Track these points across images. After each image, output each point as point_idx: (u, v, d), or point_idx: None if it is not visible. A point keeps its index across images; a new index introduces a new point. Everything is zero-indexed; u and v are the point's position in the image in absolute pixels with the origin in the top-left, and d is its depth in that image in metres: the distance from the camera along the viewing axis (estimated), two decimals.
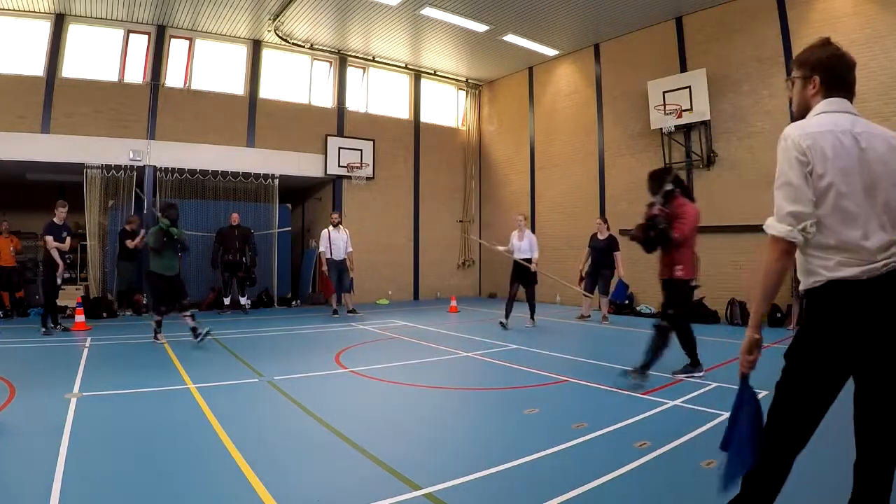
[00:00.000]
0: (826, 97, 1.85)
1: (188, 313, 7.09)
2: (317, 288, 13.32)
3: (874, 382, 1.76)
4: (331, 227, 10.52)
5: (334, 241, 10.36)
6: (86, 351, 6.57)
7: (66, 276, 8.73)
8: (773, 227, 1.78)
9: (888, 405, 1.76)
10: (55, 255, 7.86)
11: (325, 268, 10.47)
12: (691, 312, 5.05)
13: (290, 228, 12.91)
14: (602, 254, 9.35)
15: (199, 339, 6.85)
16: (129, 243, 10.29)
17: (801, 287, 1.87)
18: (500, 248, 9.12)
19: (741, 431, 1.86)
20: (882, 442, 1.77)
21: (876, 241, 1.72)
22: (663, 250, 5.04)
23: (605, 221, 9.59)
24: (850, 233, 1.72)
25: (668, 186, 5.04)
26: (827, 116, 1.80)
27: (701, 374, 5.15)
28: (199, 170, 11.47)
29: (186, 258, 11.11)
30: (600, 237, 9.47)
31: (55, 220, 7.93)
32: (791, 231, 1.75)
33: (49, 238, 7.81)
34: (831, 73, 1.85)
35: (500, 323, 8.74)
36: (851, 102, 1.86)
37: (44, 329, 7.87)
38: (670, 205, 5.03)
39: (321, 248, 10.53)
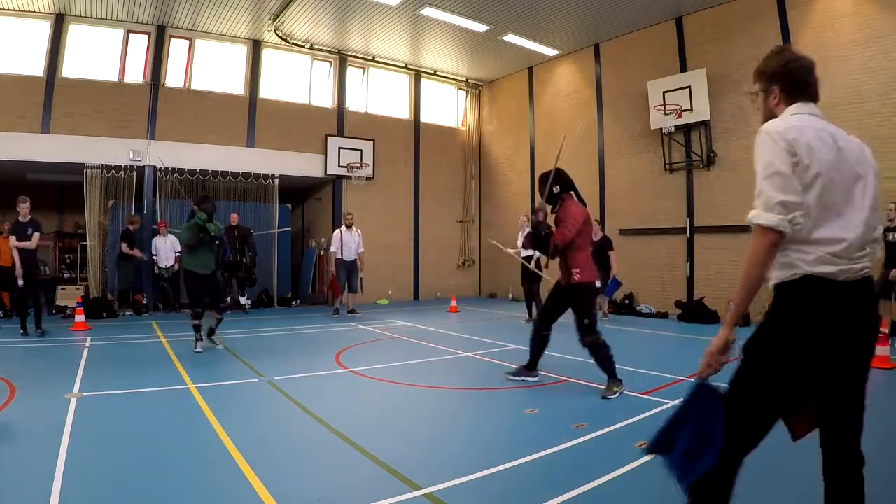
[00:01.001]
0: (790, 104, 1.85)
1: (220, 316, 6.82)
2: (317, 288, 13.32)
3: (837, 388, 1.74)
4: (343, 228, 10.44)
5: (346, 243, 10.30)
6: (86, 351, 6.56)
7: (51, 274, 8.34)
8: (762, 216, 1.69)
9: (851, 411, 1.74)
10: (15, 255, 7.30)
11: (332, 267, 10.43)
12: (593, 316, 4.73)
13: (290, 228, 12.92)
14: (596, 254, 9.44)
15: (210, 337, 6.75)
16: (126, 248, 10.30)
17: (774, 281, 1.79)
18: (510, 250, 9.15)
19: (694, 433, 1.77)
20: (846, 448, 1.76)
21: (857, 238, 1.70)
22: (560, 256, 4.82)
23: (599, 222, 9.71)
24: (834, 227, 1.70)
25: (555, 189, 4.83)
26: (797, 118, 1.79)
27: (535, 378, 5.08)
28: (199, 170, 11.48)
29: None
30: (594, 238, 9.54)
31: (19, 217, 7.38)
32: (782, 220, 1.68)
33: (12, 238, 7.30)
34: (790, 80, 1.85)
35: (526, 321, 8.89)
36: (816, 104, 1.86)
37: (22, 331, 7.46)
38: (558, 208, 4.84)
39: (332, 249, 10.46)
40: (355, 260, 10.40)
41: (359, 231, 10.60)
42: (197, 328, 6.56)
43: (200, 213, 6.50)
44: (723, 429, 1.75)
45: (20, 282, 7.37)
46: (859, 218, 1.73)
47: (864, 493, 1.78)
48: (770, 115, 1.90)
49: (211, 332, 6.77)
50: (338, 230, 10.56)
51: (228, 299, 10.74)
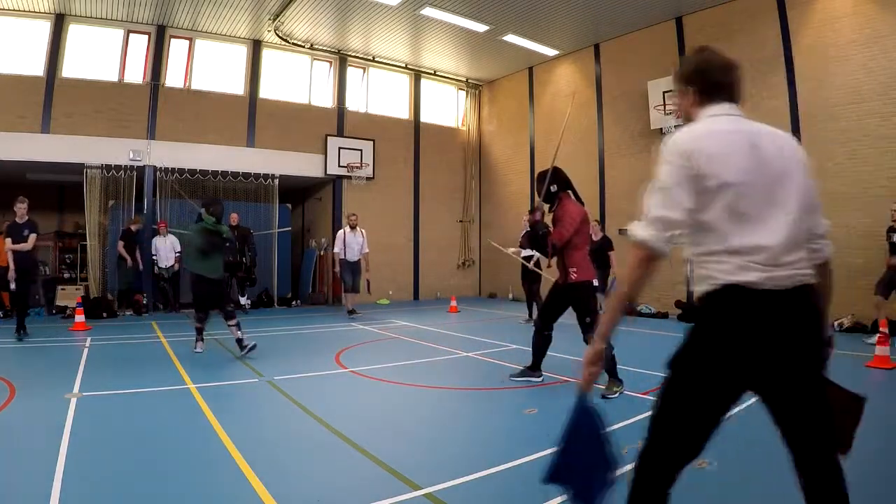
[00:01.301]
0: (706, 105, 1.75)
1: (233, 322, 6.25)
2: (317, 288, 13.32)
3: (780, 404, 1.62)
4: (347, 229, 10.37)
5: (349, 244, 10.23)
6: (86, 351, 6.56)
7: (55, 274, 8.15)
8: (637, 232, 1.63)
9: (807, 427, 1.60)
10: (9, 256, 7.09)
11: (337, 269, 10.38)
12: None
13: (290, 228, 12.92)
14: (596, 254, 9.47)
15: (244, 351, 6.16)
16: (120, 247, 10.30)
17: (696, 294, 1.72)
18: (510, 250, 9.14)
19: (582, 457, 1.70)
20: (816, 465, 1.62)
21: (782, 242, 1.58)
22: (558, 255, 4.82)
23: (599, 222, 9.72)
24: (753, 234, 1.59)
25: (553, 188, 4.82)
26: (711, 121, 1.71)
27: (540, 378, 5.09)
28: (199, 170, 11.48)
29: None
30: (594, 238, 9.55)
31: (16, 218, 7.22)
32: (656, 237, 1.60)
33: (8, 241, 7.14)
34: (705, 80, 1.75)
35: (526, 321, 8.87)
36: (737, 103, 1.75)
37: (18, 333, 7.25)
38: (555, 207, 4.83)
39: (336, 249, 10.40)
40: (359, 260, 10.37)
41: (363, 232, 10.55)
42: (199, 331, 6.50)
43: (209, 216, 6.31)
44: (608, 449, 1.72)
45: (12, 285, 7.18)
46: (784, 220, 1.61)
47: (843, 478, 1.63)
48: (687, 117, 1.82)
49: (240, 343, 6.20)
50: (341, 231, 10.48)
51: (249, 302, 10.74)
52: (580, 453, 1.72)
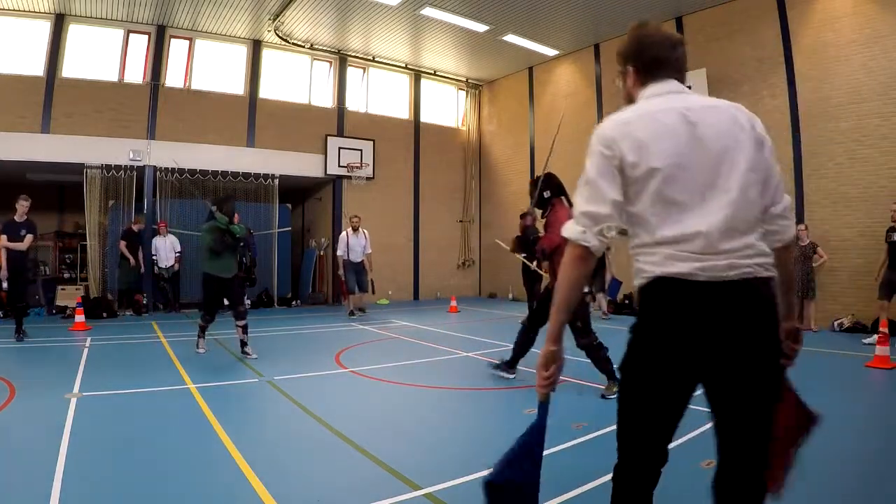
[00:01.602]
0: (647, 83, 1.61)
1: (243, 323, 6.19)
2: (317, 288, 13.32)
3: (719, 404, 1.50)
4: (349, 230, 10.37)
5: (352, 247, 10.25)
6: (86, 351, 6.56)
7: (44, 273, 7.82)
8: (566, 229, 1.55)
9: (741, 432, 1.47)
10: (2, 255, 6.96)
11: (341, 271, 10.39)
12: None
13: (290, 228, 12.92)
14: None
15: (244, 353, 6.18)
16: (122, 247, 10.31)
17: (634, 289, 1.62)
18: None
19: (522, 475, 1.63)
20: (737, 482, 1.49)
21: (718, 225, 1.43)
22: (548, 260, 4.79)
23: None
24: (685, 220, 1.45)
25: (546, 193, 4.82)
26: (646, 102, 1.58)
27: (513, 376, 5.12)
28: (199, 170, 11.47)
29: (187, 258, 11.16)
30: None
31: (15, 217, 7.11)
32: (584, 234, 1.50)
33: (3, 237, 6.99)
34: (645, 57, 1.62)
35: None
36: (682, 81, 1.62)
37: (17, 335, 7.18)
38: (547, 213, 4.84)
39: (339, 252, 10.43)
40: (363, 261, 10.39)
41: (366, 233, 10.55)
42: (202, 330, 6.42)
43: (221, 216, 6.22)
44: (534, 472, 1.65)
45: (4, 284, 7.08)
46: (723, 203, 1.44)
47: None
48: (628, 98, 1.70)
49: (244, 346, 6.22)
50: (343, 233, 10.51)
51: (248, 303, 10.55)
52: (523, 471, 1.65)
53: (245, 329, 6.22)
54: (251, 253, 11.09)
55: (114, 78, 10.95)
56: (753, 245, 1.46)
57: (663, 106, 1.53)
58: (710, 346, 1.42)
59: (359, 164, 13.16)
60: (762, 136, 1.53)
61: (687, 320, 1.43)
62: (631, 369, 1.56)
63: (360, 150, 13.27)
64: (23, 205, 7.17)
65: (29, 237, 7.16)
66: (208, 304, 6.37)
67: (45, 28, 10.33)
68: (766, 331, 1.45)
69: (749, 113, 1.56)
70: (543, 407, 1.68)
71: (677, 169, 1.46)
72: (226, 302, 6.67)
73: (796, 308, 1.67)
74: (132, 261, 10.35)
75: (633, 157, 1.47)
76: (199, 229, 6.66)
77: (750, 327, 1.42)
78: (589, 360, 4.67)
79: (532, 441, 1.67)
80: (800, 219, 8.78)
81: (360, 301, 10.70)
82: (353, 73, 13.64)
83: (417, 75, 14.52)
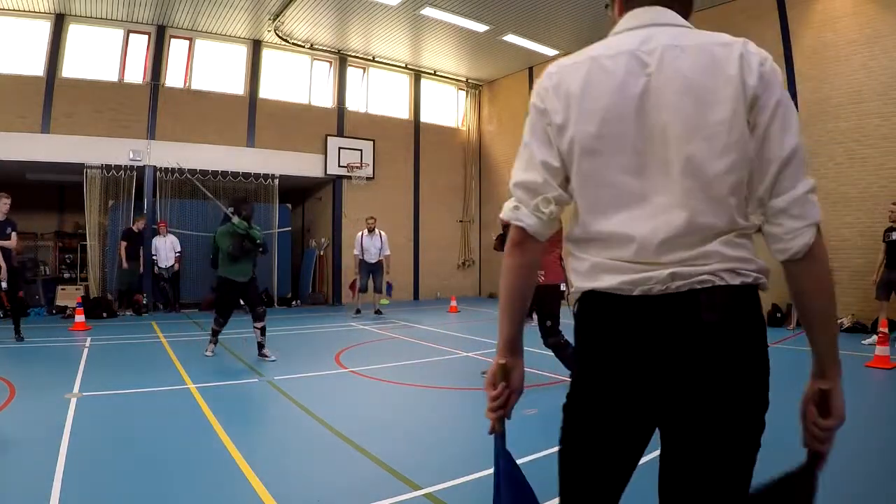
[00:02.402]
0: (627, 11, 1.21)
1: (260, 325, 6.06)
2: (317, 288, 13.32)
3: (665, 461, 1.13)
4: (365, 231, 10.50)
5: (366, 248, 10.38)
6: (86, 351, 6.56)
7: (44, 273, 7.73)
8: (505, 206, 1.21)
9: (690, 475, 1.06)
10: None
11: (356, 269, 10.51)
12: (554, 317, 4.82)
13: (290, 228, 12.91)
14: None
15: (261, 355, 6.07)
16: (120, 250, 10.29)
17: None
18: None
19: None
20: None
21: (658, 236, 1.02)
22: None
23: None
24: (610, 218, 1.07)
25: None
26: (607, 40, 1.18)
27: None
28: (199, 170, 11.47)
29: (187, 257, 11.16)
30: None
31: None
32: (517, 211, 1.16)
33: None
34: None
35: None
36: (683, 11, 1.22)
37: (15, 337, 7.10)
38: None
39: (355, 251, 10.57)
40: (379, 261, 10.48)
41: (383, 235, 10.62)
42: (215, 333, 6.23)
43: (241, 220, 6.01)
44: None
45: (3, 284, 6.96)
46: (673, 193, 1.03)
47: None
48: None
49: (261, 349, 6.11)
50: (359, 233, 10.64)
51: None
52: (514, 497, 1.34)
53: (263, 331, 6.09)
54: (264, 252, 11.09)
55: (114, 78, 10.95)
56: (718, 252, 1.01)
57: (617, 45, 1.12)
58: (653, 380, 1.04)
59: (359, 164, 13.16)
60: (758, 91, 1.01)
61: (621, 348, 1.06)
62: (569, 408, 1.21)
63: (360, 150, 13.27)
64: (5, 203, 7.13)
65: (15, 235, 7.16)
66: (221, 308, 6.20)
67: (45, 28, 10.33)
68: (727, 366, 1.00)
69: (750, 52, 1.04)
70: (498, 440, 1.30)
71: (608, 140, 1.06)
72: (242, 302, 6.57)
73: (829, 357, 1.05)
74: (124, 264, 10.34)
75: (560, 118, 1.11)
76: (215, 231, 6.44)
77: (696, 359, 1.00)
78: (558, 359, 4.82)
79: (506, 469, 1.34)
80: None
81: (376, 301, 10.77)
82: (353, 73, 13.63)
83: (417, 75, 14.52)
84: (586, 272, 1.12)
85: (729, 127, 1.00)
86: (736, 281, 1.02)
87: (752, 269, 1.03)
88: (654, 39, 1.09)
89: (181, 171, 11.12)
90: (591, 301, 1.11)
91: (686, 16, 1.20)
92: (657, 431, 1.15)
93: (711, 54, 1.04)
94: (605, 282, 1.07)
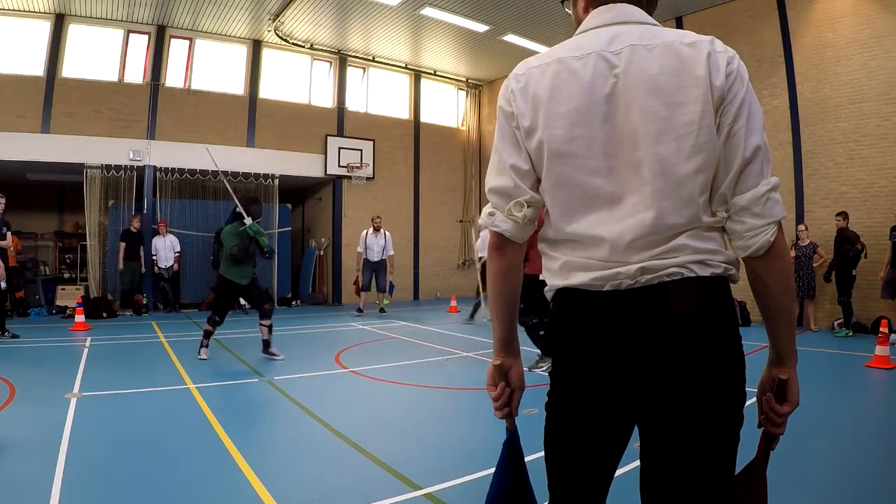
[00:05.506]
0: (590, 9, 1.18)
1: (267, 322, 6.04)
2: (317, 288, 13.32)
3: (652, 440, 1.10)
4: (370, 230, 10.58)
5: (370, 246, 10.46)
6: (86, 351, 6.56)
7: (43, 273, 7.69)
8: (482, 213, 1.22)
9: (670, 475, 1.05)
10: None
11: (359, 267, 10.57)
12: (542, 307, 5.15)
13: (290, 228, 12.90)
14: None
15: (267, 353, 6.10)
16: (120, 256, 10.29)
17: None
18: None
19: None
20: None
21: (629, 228, 1.04)
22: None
23: None
24: (580, 220, 1.09)
25: None
26: (573, 40, 1.15)
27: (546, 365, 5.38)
28: (199, 170, 11.47)
29: (187, 258, 11.16)
30: None
31: None
32: (492, 217, 1.18)
33: None
34: None
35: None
36: (648, 7, 1.19)
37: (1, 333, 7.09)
38: None
39: (359, 249, 10.64)
40: (383, 260, 10.54)
41: (388, 234, 10.70)
42: (207, 334, 6.12)
43: (253, 223, 5.90)
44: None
45: (3, 284, 6.95)
46: (643, 194, 1.04)
47: None
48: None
49: (267, 346, 6.11)
50: (364, 231, 10.72)
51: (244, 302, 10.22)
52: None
53: (270, 329, 6.08)
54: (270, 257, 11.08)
55: (114, 78, 10.94)
56: (688, 245, 1.03)
57: (584, 45, 1.10)
58: (627, 375, 1.06)
59: (359, 164, 13.16)
60: (725, 91, 1.02)
61: (593, 343, 1.08)
62: (549, 406, 1.21)
63: (360, 150, 13.27)
64: (0, 203, 7.17)
65: (10, 235, 7.23)
66: (218, 307, 6.14)
67: (45, 28, 10.32)
68: (699, 359, 1.01)
69: (717, 52, 1.04)
70: (511, 436, 1.29)
71: (577, 143, 1.06)
72: (242, 302, 6.56)
73: (787, 348, 1.13)
74: (120, 265, 10.34)
75: (528, 120, 1.11)
76: (220, 228, 6.42)
77: (668, 352, 1.01)
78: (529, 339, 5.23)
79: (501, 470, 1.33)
80: (800, 219, 8.78)
81: (379, 300, 10.81)
82: (353, 72, 13.63)
83: (417, 75, 14.52)
84: (558, 270, 1.15)
85: (698, 128, 1.01)
86: (706, 272, 1.03)
87: (722, 261, 1.05)
88: (620, 39, 1.08)
89: (173, 170, 11.12)
90: (564, 298, 1.14)
91: (650, 12, 1.18)
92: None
93: (679, 54, 1.04)
94: (577, 279, 1.10)
